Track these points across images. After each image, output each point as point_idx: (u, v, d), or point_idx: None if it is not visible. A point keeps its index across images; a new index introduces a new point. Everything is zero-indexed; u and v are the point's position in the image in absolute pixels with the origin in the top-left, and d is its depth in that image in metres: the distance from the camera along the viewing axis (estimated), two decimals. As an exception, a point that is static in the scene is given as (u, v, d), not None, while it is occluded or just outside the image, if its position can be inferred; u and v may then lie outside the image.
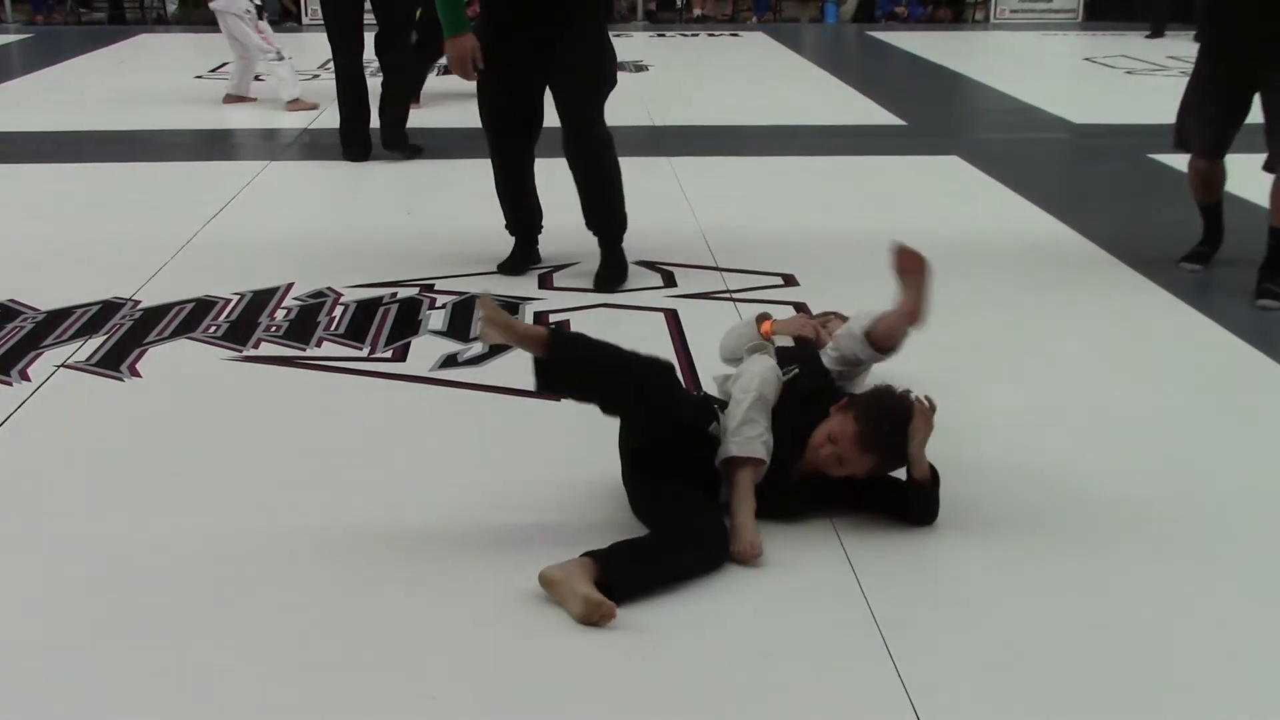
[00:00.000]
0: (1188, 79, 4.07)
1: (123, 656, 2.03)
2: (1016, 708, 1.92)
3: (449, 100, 7.40)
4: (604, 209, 3.98)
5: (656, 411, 2.42)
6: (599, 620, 2.08)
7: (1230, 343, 3.50)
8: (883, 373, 2.75)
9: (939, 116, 7.76)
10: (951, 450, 2.54)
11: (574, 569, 2.16)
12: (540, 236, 4.18)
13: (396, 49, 5.99)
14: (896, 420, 2.39)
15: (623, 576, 2.17)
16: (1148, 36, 11.71)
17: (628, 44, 11.33)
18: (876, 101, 7.88)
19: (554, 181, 4.09)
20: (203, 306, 3.77)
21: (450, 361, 3.36)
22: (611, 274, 3.98)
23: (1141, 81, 8.90)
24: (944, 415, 2.59)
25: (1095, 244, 4.48)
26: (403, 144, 5.97)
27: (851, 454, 2.38)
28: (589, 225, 4.01)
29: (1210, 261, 4.16)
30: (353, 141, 5.90)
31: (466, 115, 6.83)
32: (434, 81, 7.66)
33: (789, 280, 4.04)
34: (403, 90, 6.06)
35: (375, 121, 5.92)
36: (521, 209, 4.12)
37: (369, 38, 5.95)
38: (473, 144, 5.81)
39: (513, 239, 4.16)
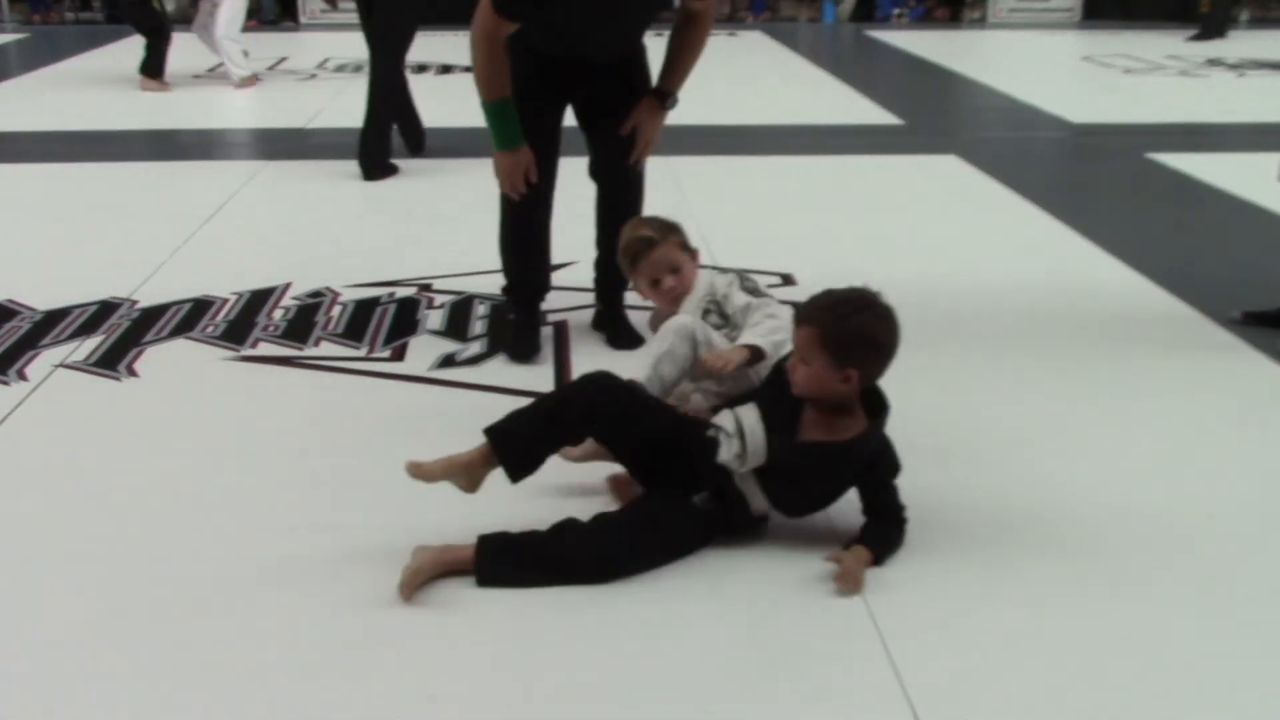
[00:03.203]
0: None
1: (120, 658, 2.03)
2: (1017, 709, 1.92)
3: (449, 99, 7.39)
4: None
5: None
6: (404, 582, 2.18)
7: (1228, 341, 3.51)
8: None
9: (936, 116, 7.76)
10: (953, 451, 2.55)
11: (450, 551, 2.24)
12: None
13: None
14: (849, 302, 2.24)
15: (493, 569, 2.23)
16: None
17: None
18: (874, 101, 7.88)
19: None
20: (200, 306, 3.77)
21: (448, 361, 3.35)
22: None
23: (1140, 81, 8.90)
24: (946, 414, 2.60)
25: (1093, 243, 4.48)
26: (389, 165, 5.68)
27: (810, 352, 2.22)
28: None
29: None
30: (384, 159, 5.61)
31: (466, 115, 6.84)
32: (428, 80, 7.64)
33: (787, 279, 4.04)
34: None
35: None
36: (543, 262, 3.51)
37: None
38: (471, 144, 5.81)
39: (514, 308, 3.51)
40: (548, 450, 2.37)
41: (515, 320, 3.49)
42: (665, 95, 3.25)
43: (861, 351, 2.21)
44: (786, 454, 2.27)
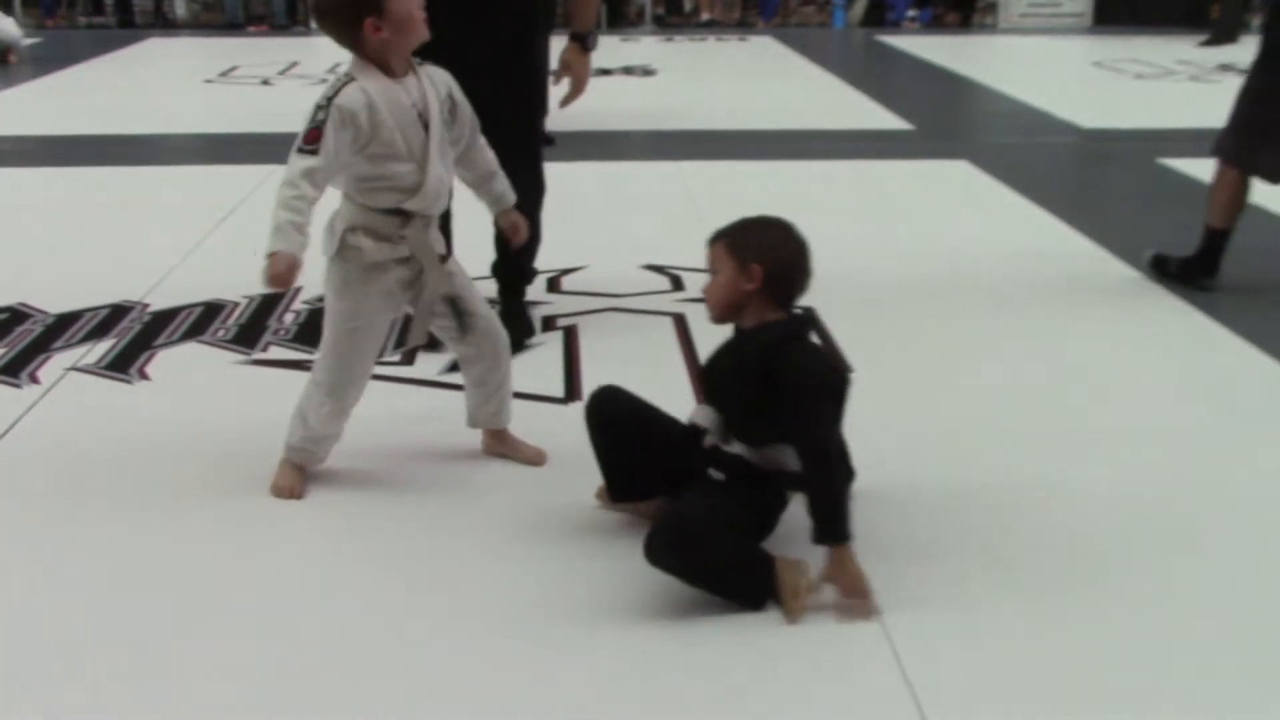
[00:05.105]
0: (1243, 90, 3.94)
1: (126, 660, 2.04)
2: (1023, 708, 1.92)
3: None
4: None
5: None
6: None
7: (1236, 346, 3.50)
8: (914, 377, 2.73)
9: (947, 121, 7.75)
10: (960, 453, 2.54)
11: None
12: (540, 250, 3.66)
13: None
14: (750, 218, 2.48)
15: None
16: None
17: (635, 48, 11.34)
18: (884, 106, 7.88)
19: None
20: (212, 310, 3.78)
21: (458, 366, 3.35)
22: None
23: (1151, 86, 8.88)
24: (952, 416, 2.60)
25: (1105, 249, 4.47)
26: None
27: (719, 263, 2.39)
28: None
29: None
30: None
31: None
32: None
33: (797, 284, 4.03)
34: None
35: None
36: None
37: None
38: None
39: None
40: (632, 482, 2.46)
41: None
42: (583, 37, 3.47)
43: (762, 248, 2.39)
44: (707, 371, 2.44)
